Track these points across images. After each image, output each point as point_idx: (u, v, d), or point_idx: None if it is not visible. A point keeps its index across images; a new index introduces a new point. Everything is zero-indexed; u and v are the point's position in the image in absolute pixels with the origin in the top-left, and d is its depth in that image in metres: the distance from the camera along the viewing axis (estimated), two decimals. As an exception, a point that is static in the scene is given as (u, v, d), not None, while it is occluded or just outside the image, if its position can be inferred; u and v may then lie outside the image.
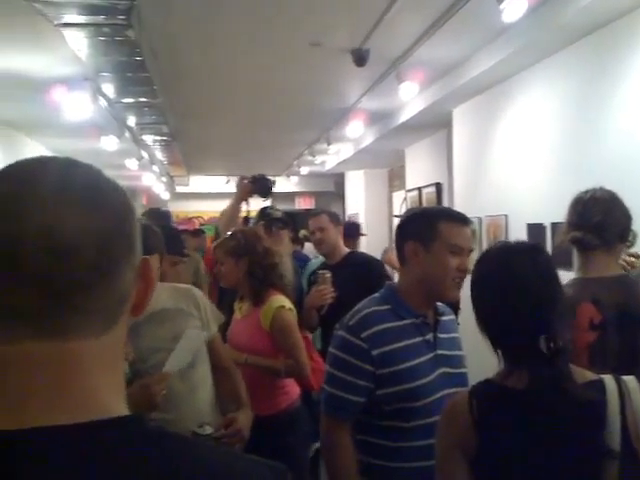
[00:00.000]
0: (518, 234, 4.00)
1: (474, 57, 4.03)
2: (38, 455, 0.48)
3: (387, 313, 1.66)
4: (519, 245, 1.33)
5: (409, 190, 6.87)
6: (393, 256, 3.59)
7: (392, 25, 3.48)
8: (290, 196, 12.54)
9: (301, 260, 4.86)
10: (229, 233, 2.91)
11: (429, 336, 1.68)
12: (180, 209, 12.68)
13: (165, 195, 11.08)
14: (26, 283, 0.51)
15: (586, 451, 1.20)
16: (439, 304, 1.76)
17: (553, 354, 1.21)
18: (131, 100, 4.70)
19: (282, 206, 14.38)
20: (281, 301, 2.66)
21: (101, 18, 3.00)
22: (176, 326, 1.95)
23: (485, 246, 4.48)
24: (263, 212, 3.86)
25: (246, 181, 3.45)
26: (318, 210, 3.81)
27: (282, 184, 11.66)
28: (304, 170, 9.31)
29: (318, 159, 8.00)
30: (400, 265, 1.74)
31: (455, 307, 2.29)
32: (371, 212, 9.35)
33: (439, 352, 1.68)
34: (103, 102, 4.52)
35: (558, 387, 1.20)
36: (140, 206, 12.64)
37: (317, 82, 4.83)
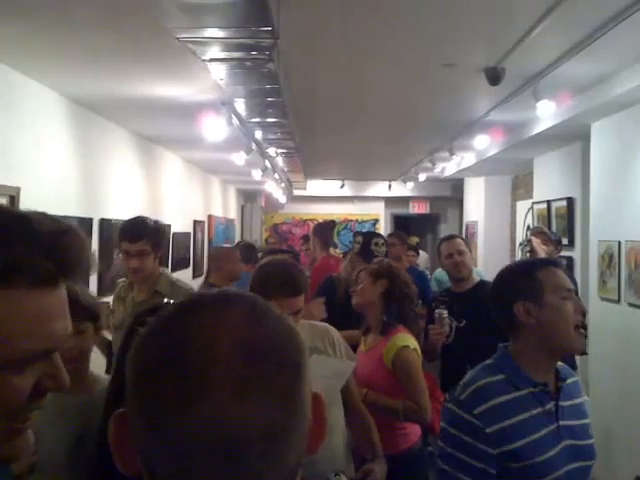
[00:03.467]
0: (666, 263, 3.70)
1: (619, 74, 3.78)
2: None
3: (502, 384, 1.57)
4: None
5: (536, 202, 6.57)
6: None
7: (531, 44, 3.33)
8: (405, 200, 12.44)
9: (417, 276, 4.66)
10: (376, 260, 3.07)
11: (550, 405, 1.57)
12: (296, 211, 13.00)
13: (282, 199, 11.39)
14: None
15: None
16: (560, 367, 1.64)
17: None
18: (260, 120, 4.89)
19: (396, 210, 14.13)
20: (406, 340, 2.61)
21: (244, 53, 3.15)
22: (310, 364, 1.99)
23: (624, 274, 4.19)
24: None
25: None
26: (450, 234, 3.79)
27: (397, 189, 11.59)
28: (422, 177, 9.17)
29: (438, 166, 7.86)
30: (509, 331, 1.64)
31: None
32: (491, 220, 8.99)
33: (562, 423, 1.57)
34: (236, 121, 4.72)
35: None
36: (259, 208, 13.11)
37: (446, 99, 4.74)
